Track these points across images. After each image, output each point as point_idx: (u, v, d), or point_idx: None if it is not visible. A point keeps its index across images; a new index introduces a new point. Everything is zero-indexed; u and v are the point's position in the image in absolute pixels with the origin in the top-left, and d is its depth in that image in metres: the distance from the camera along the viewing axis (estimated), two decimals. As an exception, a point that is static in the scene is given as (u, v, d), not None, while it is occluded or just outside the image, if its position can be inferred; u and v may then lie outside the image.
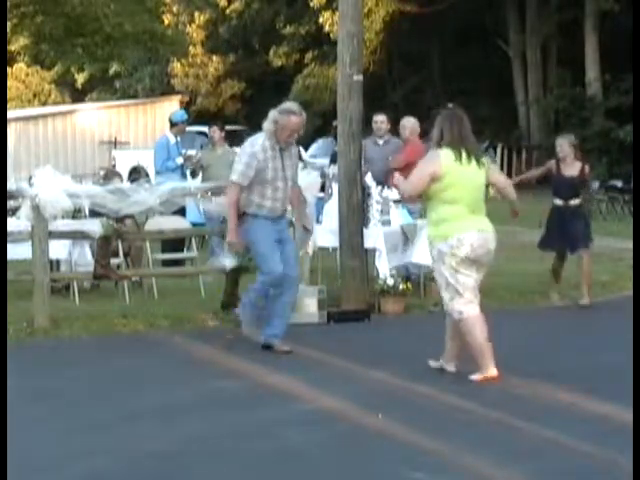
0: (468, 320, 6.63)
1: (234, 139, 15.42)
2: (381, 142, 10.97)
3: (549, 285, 10.26)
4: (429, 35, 34.70)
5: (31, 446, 5.33)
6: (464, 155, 6.68)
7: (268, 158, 7.51)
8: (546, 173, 10.33)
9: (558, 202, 10.05)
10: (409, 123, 11.09)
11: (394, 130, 11.46)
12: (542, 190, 11.40)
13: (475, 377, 6.66)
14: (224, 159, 11.68)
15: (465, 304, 6.63)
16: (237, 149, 11.28)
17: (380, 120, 11.03)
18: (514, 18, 32.92)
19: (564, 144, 10.08)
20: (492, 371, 6.63)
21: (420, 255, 10.23)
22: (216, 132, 12.42)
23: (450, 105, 7.09)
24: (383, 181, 10.17)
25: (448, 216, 6.63)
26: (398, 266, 9.95)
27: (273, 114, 7.55)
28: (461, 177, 6.65)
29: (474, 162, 6.72)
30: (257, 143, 7.56)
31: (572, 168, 10.02)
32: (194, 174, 12.48)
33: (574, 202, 10.00)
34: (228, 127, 14.51)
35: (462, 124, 6.83)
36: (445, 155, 6.68)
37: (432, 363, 6.96)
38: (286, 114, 7.54)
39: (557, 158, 10.11)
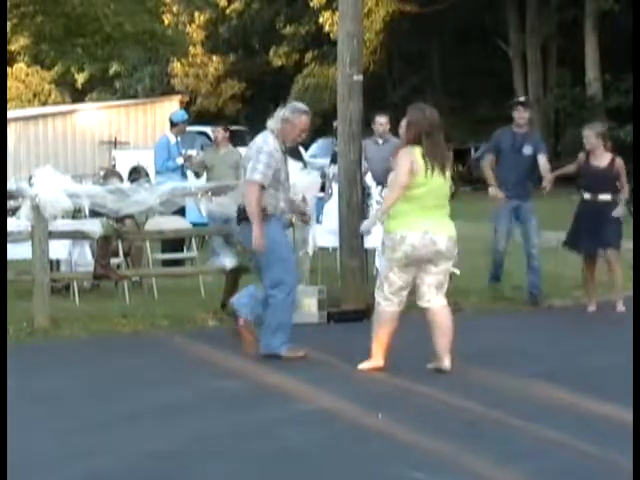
0: (381, 314, 6.93)
1: (234, 139, 15.43)
2: (381, 142, 10.98)
3: (583, 292, 9.86)
4: (429, 35, 34.71)
5: (31, 446, 5.33)
6: (435, 164, 6.79)
7: (279, 159, 7.37)
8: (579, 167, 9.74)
9: (587, 196, 9.53)
10: (408, 123, 11.09)
11: (394, 130, 11.44)
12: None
13: (363, 366, 6.97)
14: (227, 159, 11.71)
15: (384, 299, 6.92)
16: (241, 149, 11.33)
17: (384, 122, 11.03)
18: (514, 18, 32.92)
19: (590, 135, 9.53)
20: (380, 362, 6.95)
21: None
22: (220, 132, 12.42)
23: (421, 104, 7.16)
24: (383, 181, 10.17)
25: (402, 211, 6.76)
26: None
27: (283, 113, 7.37)
28: (429, 180, 6.75)
29: (440, 169, 6.81)
30: (270, 142, 7.30)
31: (601, 159, 9.46)
32: (197, 175, 12.48)
33: (604, 197, 9.42)
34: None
35: (438, 130, 6.84)
36: (418, 153, 6.76)
37: (429, 365, 6.98)
38: (298, 113, 7.41)
39: (586, 150, 9.59)
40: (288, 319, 7.39)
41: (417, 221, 6.75)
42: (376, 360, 6.98)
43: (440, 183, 6.83)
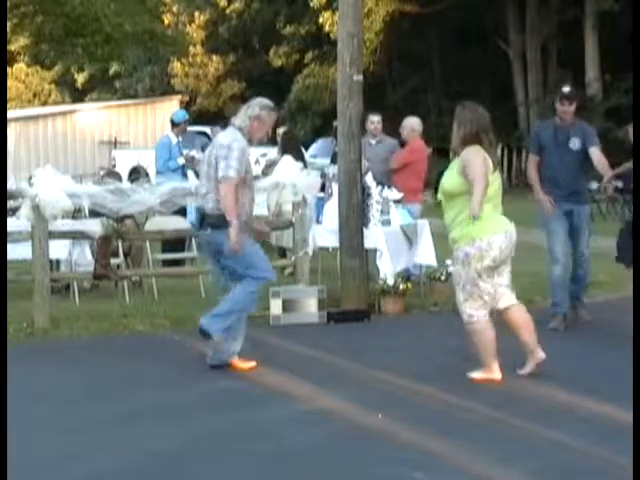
0: (478, 324, 6.65)
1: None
2: (374, 142, 10.97)
3: None
4: (429, 35, 34.70)
5: (31, 446, 5.34)
6: (494, 161, 6.67)
7: (248, 159, 7.06)
8: None
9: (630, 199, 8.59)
10: (408, 123, 11.09)
11: (387, 130, 11.43)
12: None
13: (476, 375, 6.68)
14: None
15: (477, 309, 6.65)
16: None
17: (377, 120, 11.02)
18: (514, 18, 32.92)
19: (630, 132, 8.74)
20: (497, 374, 6.68)
21: (424, 256, 10.25)
22: (218, 132, 12.39)
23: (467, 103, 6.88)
24: (382, 181, 10.17)
25: (480, 215, 6.44)
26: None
27: (253, 109, 7.01)
28: (495, 176, 6.65)
29: (495, 167, 6.69)
30: (240, 139, 6.91)
31: None
32: (199, 175, 12.48)
33: None
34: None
35: (491, 128, 6.72)
36: (483, 151, 6.59)
37: (522, 371, 6.82)
38: (268, 110, 7.11)
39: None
40: (239, 312, 7.00)
41: (497, 222, 6.61)
42: (494, 371, 6.69)
43: (500, 180, 6.77)
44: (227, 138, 6.94)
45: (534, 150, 8.86)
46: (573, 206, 8.63)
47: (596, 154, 8.51)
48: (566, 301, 8.78)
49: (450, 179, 6.67)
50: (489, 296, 6.66)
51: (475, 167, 6.45)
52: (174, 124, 12.54)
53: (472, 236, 6.52)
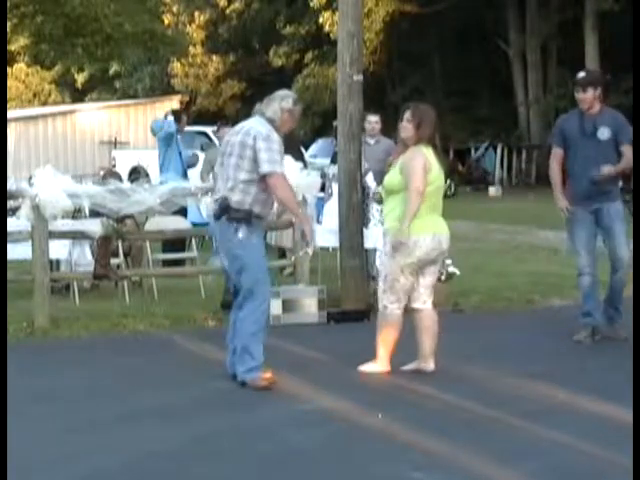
0: (390, 317, 6.80)
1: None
2: (372, 142, 10.96)
3: None
4: (429, 35, 34.75)
5: (31, 446, 5.33)
6: (435, 154, 6.80)
7: None
8: None
9: None
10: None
11: (386, 130, 11.41)
12: (544, 190, 11.38)
13: (366, 368, 6.86)
14: None
15: (392, 302, 6.78)
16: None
17: (374, 120, 11.00)
18: (514, 18, 32.97)
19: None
20: (387, 366, 6.85)
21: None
22: (226, 132, 12.38)
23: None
24: (379, 181, 10.17)
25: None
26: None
27: (287, 102, 6.66)
28: (436, 176, 6.75)
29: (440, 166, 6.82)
30: (274, 132, 6.52)
31: None
32: (203, 179, 12.49)
33: None
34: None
35: (435, 122, 6.87)
36: (427, 151, 6.75)
37: (407, 367, 6.95)
38: (298, 104, 6.83)
39: None
40: (258, 333, 6.51)
41: (427, 223, 6.68)
42: (383, 364, 6.87)
43: (442, 180, 6.87)
44: (264, 128, 6.52)
45: (558, 142, 7.94)
46: (602, 204, 7.76)
47: (628, 152, 7.68)
48: (598, 311, 7.90)
49: (392, 176, 6.85)
50: (405, 293, 6.77)
51: (413, 175, 6.61)
52: (154, 134, 12.78)
53: (404, 229, 6.64)
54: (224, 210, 6.47)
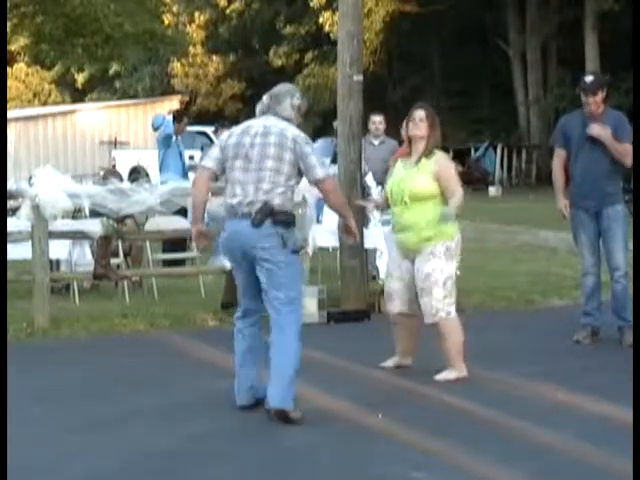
0: (455, 321, 6.74)
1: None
2: (376, 142, 10.97)
3: None
4: (429, 35, 34.76)
5: (31, 446, 5.34)
6: None
7: None
8: None
9: None
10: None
11: (390, 130, 11.43)
12: (544, 190, 11.38)
13: (446, 376, 6.69)
14: None
15: (452, 305, 6.73)
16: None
17: (378, 121, 11.02)
18: (514, 18, 32.97)
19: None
20: (464, 371, 6.75)
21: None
22: (226, 133, 12.41)
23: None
24: (381, 181, 10.17)
25: (452, 215, 6.72)
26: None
27: (297, 100, 6.19)
28: None
29: None
30: None
31: None
32: None
33: None
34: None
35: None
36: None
37: (386, 363, 7.01)
38: (304, 98, 6.37)
39: None
40: (297, 366, 5.84)
41: (455, 223, 6.82)
42: (461, 369, 6.73)
43: None
44: (296, 130, 6.09)
45: (560, 143, 7.92)
46: (602, 207, 7.71)
47: (626, 147, 7.64)
48: (598, 312, 7.89)
49: (424, 184, 6.72)
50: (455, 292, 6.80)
51: (453, 174, 6.78)
52: (155, 129, 12.77)
53: (449, 233, 6.69)
54: (266, 214, 5.82)
